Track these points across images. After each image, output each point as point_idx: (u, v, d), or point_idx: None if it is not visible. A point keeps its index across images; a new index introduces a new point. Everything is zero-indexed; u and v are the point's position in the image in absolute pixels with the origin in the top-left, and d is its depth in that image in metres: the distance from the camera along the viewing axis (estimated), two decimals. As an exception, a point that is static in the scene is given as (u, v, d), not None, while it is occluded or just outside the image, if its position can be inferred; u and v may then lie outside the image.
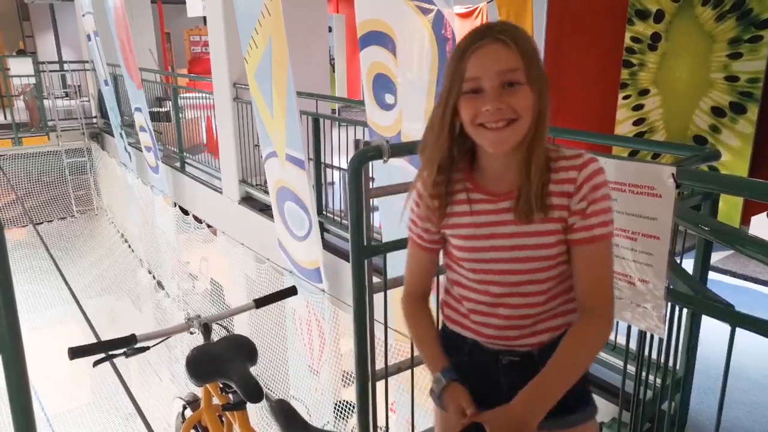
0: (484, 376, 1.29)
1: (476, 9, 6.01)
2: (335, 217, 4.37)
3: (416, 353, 2.03)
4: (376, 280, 1.83)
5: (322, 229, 4.39)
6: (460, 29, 6.15)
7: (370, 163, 1.75)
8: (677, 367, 1.96)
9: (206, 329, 1.91)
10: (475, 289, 1.25)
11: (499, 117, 1.09)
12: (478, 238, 1.21)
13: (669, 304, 1.49)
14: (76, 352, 1.70)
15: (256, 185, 5.38)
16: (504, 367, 1.27)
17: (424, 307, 1.37)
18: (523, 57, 1.08)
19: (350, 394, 4.30)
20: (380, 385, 1.94)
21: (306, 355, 4.66)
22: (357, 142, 3.70)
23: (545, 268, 1.19)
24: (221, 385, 1.93)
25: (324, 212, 4.51)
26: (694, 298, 1.32)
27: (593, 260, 1.17)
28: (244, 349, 1.89)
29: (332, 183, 4.73)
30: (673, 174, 1.29)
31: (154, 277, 7.91)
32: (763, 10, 3.84)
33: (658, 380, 1.86)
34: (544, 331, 1.24)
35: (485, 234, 1.20)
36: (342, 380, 4.52)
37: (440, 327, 1.39)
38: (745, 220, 4.05)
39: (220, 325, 2.02)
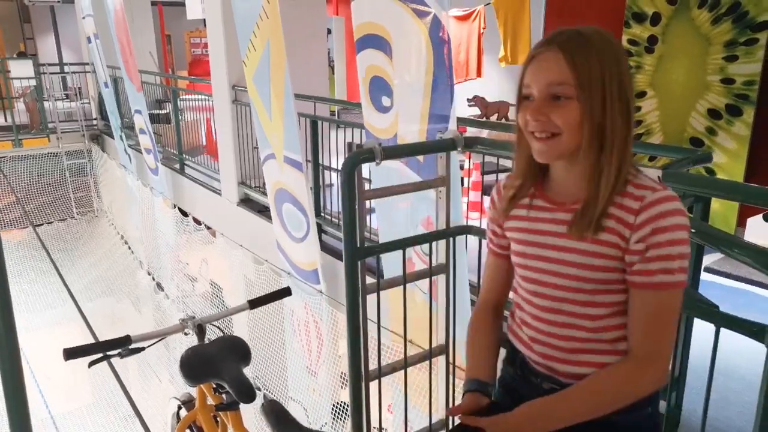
0: (529, 397, 1.23)
1: (474, 11, 6.03)
2: (333, 219, 4.39)
3: (410, 353, 2.05)
4: (370, 280, 1.85)
5: (320, 230, 4.41)
6: (458, 31, 6.19)
7: (368, 165, 1.78)
8: (670, 367, 1.98)
9: (200, 330, 1.92)
10: (526, 299, 1.23)
11: (541, 128, 1.09)
12: (531, 245, 1.20)
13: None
14: (71, 353, 1.72)
15: (255, 187, 5.40)
16: (546, 394, 1.20)
17: (489, 317, 1.34)
18: (576, 71, 1.05)
19: (348, 395, 4.30)
20: (378, 385, 1.96)
21: (304, 357, 4.67)
22: (350, 145, 3.71)
23: (593, 291, 1.13)
24: (215, 386, 1.95)
25: (322, 214, 4.53)
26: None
27: (650, 308, 1.08)
28: (237, 350, 1.91)
29: (330, 185, 4.74)
30: (658, 177, 1.31)
31: (153, 279, 7.94)
32: (758, 12, 3.86)
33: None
34: (589, 364, 1.16)
35: (538, 242, 1.19)
36: (340, 381, 4.54)
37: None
38: (742, 222, 4.07)
39: (215, 326, 2.04)
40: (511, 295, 1.35)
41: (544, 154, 1.12)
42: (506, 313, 1.39)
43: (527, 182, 1.21)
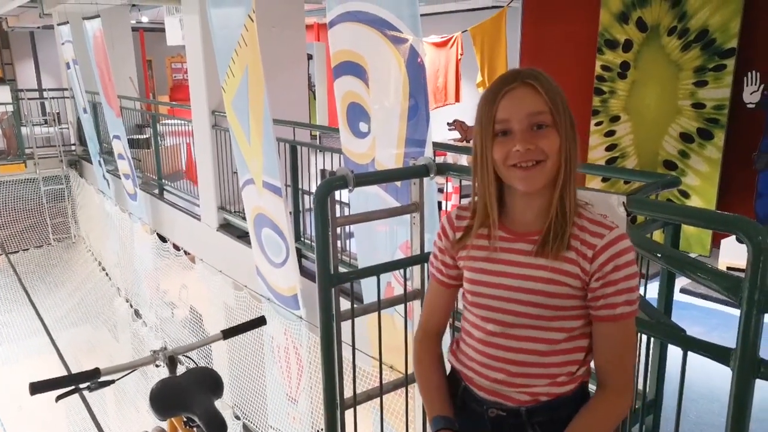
0: (473, 428, 1.28)
1: (451, 38, 6.15)
2: (313, 244, 4.37)
3: (386, 380, 2.03)
4: (345, 307, 1.83)
5: (300, 255, 4.39)
6: (436, 58, 6.29)
7: (347, 191, 1.78)
8: (647, 389, 1.98)
9: (172, 362, 1.88)
10: (476, 325, 1.26)
11: (528, 157, 1.13)
12: (489, 273, 1.23)
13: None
14: (36, 387, 1.67)
15: (235, 212, 5.37)
16: (491, 421, 1.26)
17: (434, 348, 1.38)
18: (550, 100, 1.13)
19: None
20: (360, 412, 1.94)
21: (284, 384, 4.60)
22: (323, 172, 3.72)
23: (547, 317, 1.19)
24: (185, 419, 1.90)
25: (302, 238, 4.51)
26: (647, 323, 1.35)
27: (616, 338, 1.17)
28: (209, 382, 1.86)
29: (310, 209, 4.73)
30: (623, 203, 1.33)
31: (131, 306, 7.81)
32: (725, 40, 3.98)
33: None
34: (537, 387, 1.21)
35: (496, 270, 1.23)
36: (322, 408, 4.47)
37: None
38: (716, 243, 4.13)
39: (187, 357, 2.00)
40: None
41: (531, 181, 1.14)
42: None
43: (486, 214, 1.23)
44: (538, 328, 1.19)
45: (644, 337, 1.59)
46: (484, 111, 1.17)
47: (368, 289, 3.30)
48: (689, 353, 1.30)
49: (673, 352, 1.77)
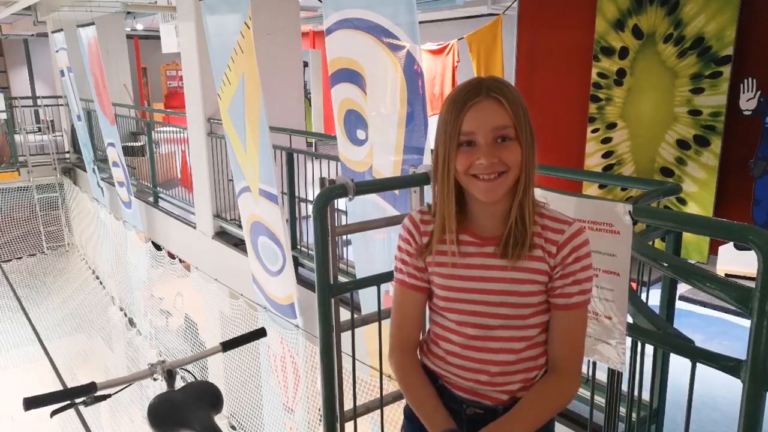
0: None
1: (447, 45, 6.15)
2: (309, 252, 4.34)
3: (386, 391, 2.00)
4: (345, 318, 1.80)
5: (297, 263, 4.36)
6: (432, 65, 6.29)
7: (344, 199, 1.76)
8: (650, 399, 1.96)
9: (170, 375, 1.85)
10: (452, 330, 1.28)
11: (491, 170, 1.16)
12: (458, 279, 1.25)
13: (632, 339, 1.49)
14: (31, 403, 1.63)
15: (231, 220, 5.34)
16: (468, 419, 1.29)
17: (415, 362, 1.37)
18: (514, 114, 1.16)
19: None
20: (359, 422, 1.91)
21: (280, 393, 4.56)
22: (322, 180, 3.70)
23: (524, 316, 1.23)
24: (183, 435, 1.86)
25: (298, 246, 4.48)
26: (654, 333, 1.34)
27: (569, 327, 1.24)
28: (208, 397, 1.82)
29: (307, 217, 4.71)
30: (629, 211, 1.32)
31: (125, 315, 7.74)
32: (721, 47, 3.99)
33: (629, 412, 1.85)
34: (514, 384, 1.26)
35: (465, 275, 1.25)
36: (318, 418, 4.43)
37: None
38: (714, 250, 4.13)
39: (186, 370, 1.97)
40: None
41: (492, 193, 1.18)
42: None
43: (451, 221, 1.23)
44: (516, 327, 1.24)
45: (649, 348, 1.57)
46: (449, 121, 1.18)
47: (366, 296, 3.27)
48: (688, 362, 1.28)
49: (674, 361, 1.76)
